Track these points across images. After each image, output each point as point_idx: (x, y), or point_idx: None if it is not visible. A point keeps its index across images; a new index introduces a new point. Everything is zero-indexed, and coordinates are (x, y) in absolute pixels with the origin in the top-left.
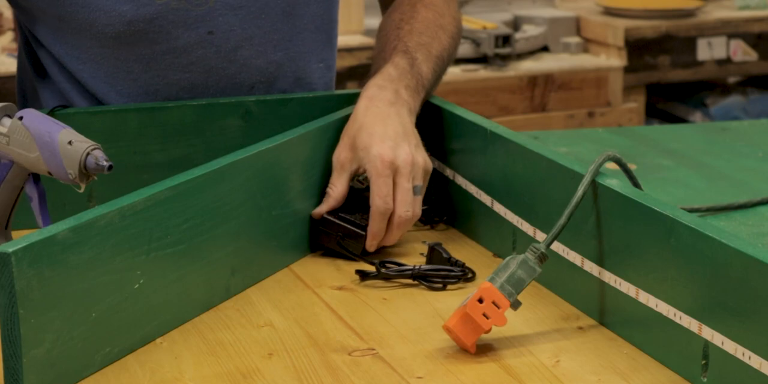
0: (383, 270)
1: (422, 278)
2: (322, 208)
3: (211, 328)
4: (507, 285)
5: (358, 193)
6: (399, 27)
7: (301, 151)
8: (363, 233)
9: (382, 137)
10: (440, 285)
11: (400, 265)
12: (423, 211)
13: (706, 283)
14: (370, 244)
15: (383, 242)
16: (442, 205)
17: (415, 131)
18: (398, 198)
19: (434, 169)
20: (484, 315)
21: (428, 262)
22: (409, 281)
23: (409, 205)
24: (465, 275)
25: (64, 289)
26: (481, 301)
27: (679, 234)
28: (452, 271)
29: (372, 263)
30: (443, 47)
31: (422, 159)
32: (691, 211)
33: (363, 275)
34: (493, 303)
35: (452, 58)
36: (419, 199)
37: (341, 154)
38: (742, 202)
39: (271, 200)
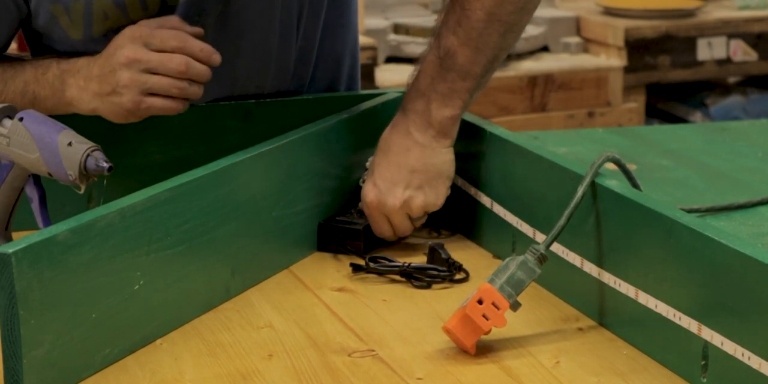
0: (372, 265)
1: (409, 276)
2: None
3: (211, 329)
4: (506, 286)
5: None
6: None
7: (301, 152)
8: (361, 229)
9: (377, 179)
10: (425, 283)
11: (390, 261)
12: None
13: (706, 283)
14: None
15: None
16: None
17: (433, 166)
18: (395, 227)
19: None
20: (484, 316)
21: (429, 262)
22: (410, 283)
23: (407, 230)
24: (452, 276)
25: (64, 290)
26: (480, 302)
27: (678, 234)
28: (441, 271)
29: (363, 258)
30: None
31: (420, 200)
32: (690, 211)
33: (355, 268)
34: (493, 304)
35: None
36: (422, 220)
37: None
38: (742, 202)
39: (271, 201)
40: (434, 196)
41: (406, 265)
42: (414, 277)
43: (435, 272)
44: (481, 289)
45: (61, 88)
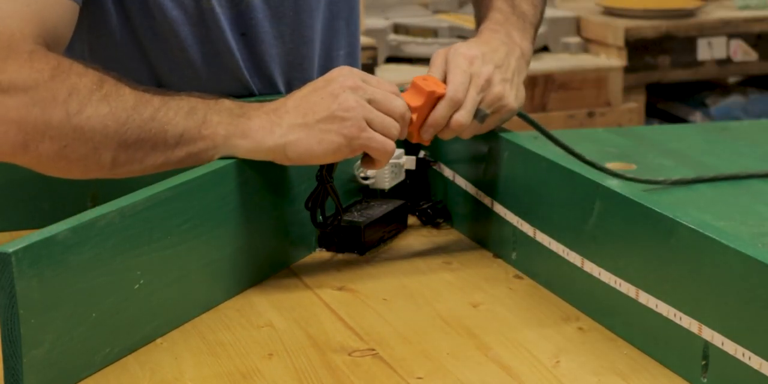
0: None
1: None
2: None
3: (211, 328)
4: None
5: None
6: None
7: None
8: (361, 228)
9: (476, 49)
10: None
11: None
12: (424, 211)
13: (706, 283)
14: (426, 131)
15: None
16: (443, 206)
17: (519, 71)
18: (461, 107)
19: (434, 171)
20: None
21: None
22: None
23: (466, 118)
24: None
25: (64, 290)
26: (425, 79)
27: (679, 234)
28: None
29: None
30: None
31: (502, 89)
32: (674, 183)
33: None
34: (435, 82)
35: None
36: (476, 125)
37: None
38: (730, 174)
39: (271, 201)
40: (508, 95)
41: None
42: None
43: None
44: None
45: (241, 115)
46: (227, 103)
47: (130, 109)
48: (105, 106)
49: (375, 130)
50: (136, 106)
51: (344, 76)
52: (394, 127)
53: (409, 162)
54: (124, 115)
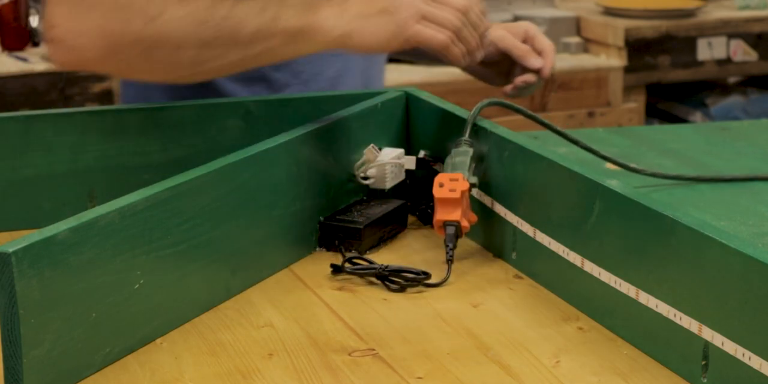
0: (349, 266)
1: (384, 278)
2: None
3: (211, 328)
4: (452, 169)
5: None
6: None
7: (301, 151)
8: (361, 228)
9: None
10: (397, 286)
11: (371, 263)
12: (424, 211)
13: (706, 283)
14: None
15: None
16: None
17: None
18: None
19: (435, 171)
20: (451, 191)
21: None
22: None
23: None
24: (427, 278)
25: (64, 289)
26: (441, 185)
27: (679, 234)
28: (417, 273)
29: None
30: None
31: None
32: (672, 178)
33: (335, 270)
34: (450, 180)
35: None
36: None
37: None
38: (735, 176)
39: (271, 200)
40: None
41: (382, 267)
42: (389, 279)
43: (410, 275)
44: (435, 179)
45: (310, 8)
46: None
47: (204, 10)
48: (182, 8)
49: (432, 23)
50: (211, 5)
51: None
52: (452, 22)
53: (408, 162)
54: (201, 16)
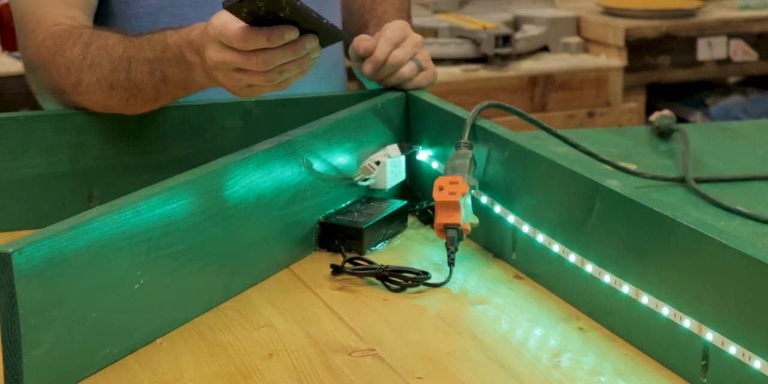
0: (349, 266)
1: (384, 278)
2: None
3: (211, 328)
4: (452, 172)
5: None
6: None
7: (301, 151)
8: (362, 228)
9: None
10: (397, 286)
11: (371, 263)
12: (424, 211)
13: (706, 283)
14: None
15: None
16: None
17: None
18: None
19: (435, 171)
20: (451, 194)
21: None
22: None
23: (403, 54)
24: (427, 278)
25: (64, 289)
26: (441, 189)
27: (679, 234)
28: (417, 273)
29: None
30: None
31: (429, 53)
32: (672, 179)
33: (335, 270)
34: (450, 183)
35: None
36: (411, 68)
37: None
38: (735, 176)
39: (270, 201)
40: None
41: (382, 267)
42: (389, 280)
43: (410, 275)
44: (435, 182)
45: (186, 68)
46: (169, 53)
47: (110, 74)
48: (92, 74)
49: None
50: (112, 70)
51: (206, 48)
52: (267, 80)
53: (392, 150)
54: (109, 80)
